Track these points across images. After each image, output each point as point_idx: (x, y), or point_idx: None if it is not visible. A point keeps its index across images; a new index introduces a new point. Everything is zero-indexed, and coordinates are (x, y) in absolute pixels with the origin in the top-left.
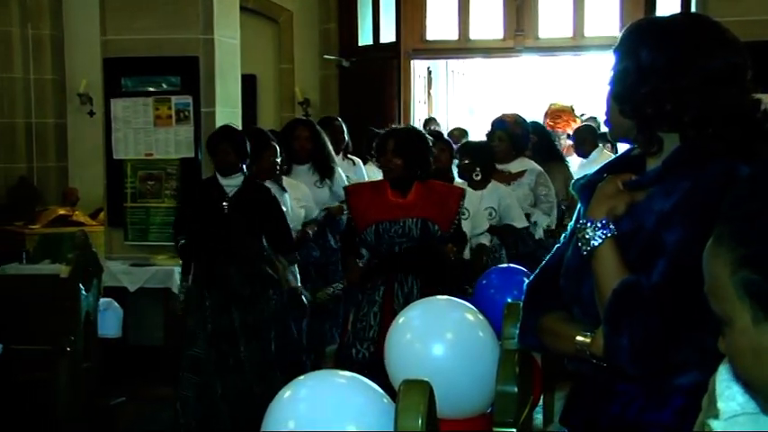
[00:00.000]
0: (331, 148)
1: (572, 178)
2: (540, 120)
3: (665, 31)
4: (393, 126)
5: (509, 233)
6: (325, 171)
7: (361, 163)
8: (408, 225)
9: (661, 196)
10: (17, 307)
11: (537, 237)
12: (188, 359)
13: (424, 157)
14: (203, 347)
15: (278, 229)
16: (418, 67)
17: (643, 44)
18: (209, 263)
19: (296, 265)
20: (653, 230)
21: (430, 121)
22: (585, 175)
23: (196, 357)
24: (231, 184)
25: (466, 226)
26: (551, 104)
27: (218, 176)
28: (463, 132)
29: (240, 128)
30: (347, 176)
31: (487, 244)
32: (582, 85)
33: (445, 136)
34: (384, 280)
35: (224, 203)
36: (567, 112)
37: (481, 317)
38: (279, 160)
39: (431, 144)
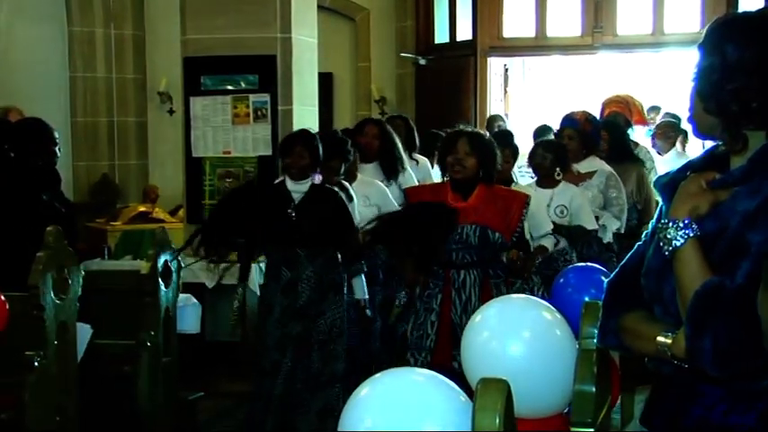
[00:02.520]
0: (401, 149)
1: (646, 179)
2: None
3: (751, 27)
4: (460, 126)
5: (579, 234)
6: (390, 171)
7: (427, 162)
8: (466, 232)
9: (746, 196)
10: (99, 302)
11: (605, 241)
12: (257, 371)
13: (493, 160)
14: (271, 357)
15: (344, 238)
16: (495, 65)
17: (729, 40)
18: (279, 270)
19: (363, 276)
20: (737, 231)
21: (495, 118)
22: (668, 174)
23: (264, 368)
24: (299, 189)
25: (525, 228)
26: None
27: (288, 181)
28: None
29: (317, 127)
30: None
31: (550, 248)
32: (661, 83)
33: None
34: (441, 288)
35: (289, 210)
36: (624, 102)
37: (559, 316)
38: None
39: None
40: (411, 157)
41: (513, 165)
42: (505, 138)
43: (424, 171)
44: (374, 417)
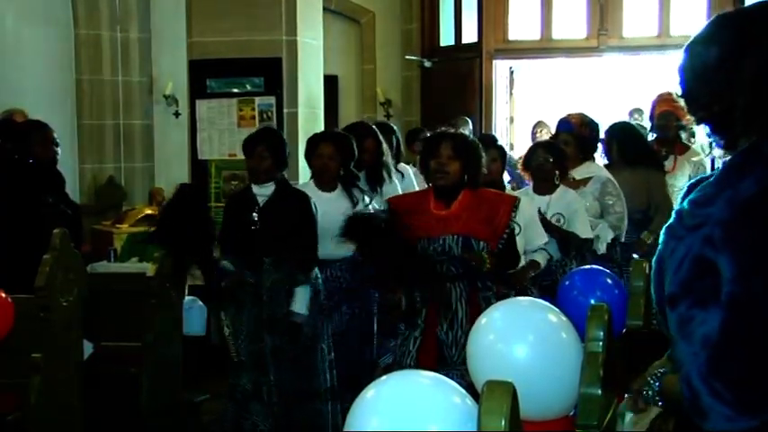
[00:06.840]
0: (389, 157)
1: (663, 185)
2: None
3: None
4: (442, 128)
5: (570, 241)
6: (375, 181)
7: (410, 171)
8: (448, 243)
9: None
10: (105, 304)
11: (600, 252)
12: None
13: (479, 163)
14: (239, 374)
15: (301, 242)
16: (500, 67)
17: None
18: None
19: (306, 289)
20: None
21: (460, 122)
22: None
23: (234, 385)
24: (263, 192)
25: (518, 241)
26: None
27: (252, 184)
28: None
29: (322, 128)
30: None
31: (542, 263)
32: (666, 85)
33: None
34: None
35: (253, 214)
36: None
37: (564, 318)
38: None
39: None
40: (396, 169)
41: (503, 166)
42: (491, 144)
43: (407, 182)
44: (380, 418)
